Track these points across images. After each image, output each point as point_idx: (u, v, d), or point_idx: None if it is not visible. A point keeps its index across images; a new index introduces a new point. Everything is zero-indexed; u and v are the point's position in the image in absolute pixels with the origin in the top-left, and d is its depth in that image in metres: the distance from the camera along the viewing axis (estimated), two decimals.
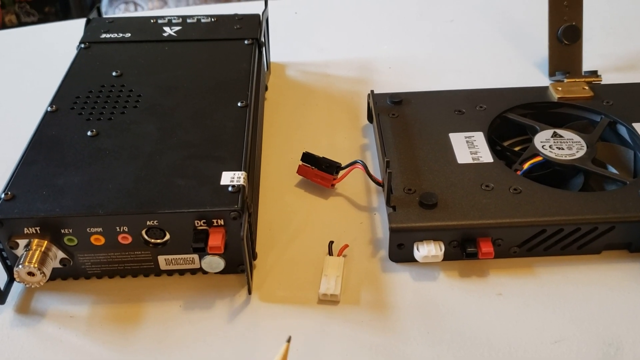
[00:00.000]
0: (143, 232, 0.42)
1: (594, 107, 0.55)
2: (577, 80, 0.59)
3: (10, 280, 0.43)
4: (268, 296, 0.44)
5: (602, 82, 0.59)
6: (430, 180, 0.47)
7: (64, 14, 1.85)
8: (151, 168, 0.44)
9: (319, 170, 0.52)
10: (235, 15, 0.64)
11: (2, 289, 0.43)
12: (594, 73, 0.60)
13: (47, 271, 0.41)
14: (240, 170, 0.44)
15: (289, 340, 0.36)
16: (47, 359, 0.40)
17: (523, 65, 0.69)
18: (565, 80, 0.60)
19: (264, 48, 0.62)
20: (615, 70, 0.67)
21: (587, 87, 0.57)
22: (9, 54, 0.75)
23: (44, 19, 1.81)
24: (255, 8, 0.65)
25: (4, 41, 0.78)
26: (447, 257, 0.45)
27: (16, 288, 0.44)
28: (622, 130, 0.53)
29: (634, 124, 0.52)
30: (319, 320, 0.42)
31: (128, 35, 0.61)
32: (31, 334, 0.41)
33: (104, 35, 0.61)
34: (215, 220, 0.41)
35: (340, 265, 0.45)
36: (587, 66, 0.63)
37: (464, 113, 0.55)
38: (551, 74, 0.63)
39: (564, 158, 0.49)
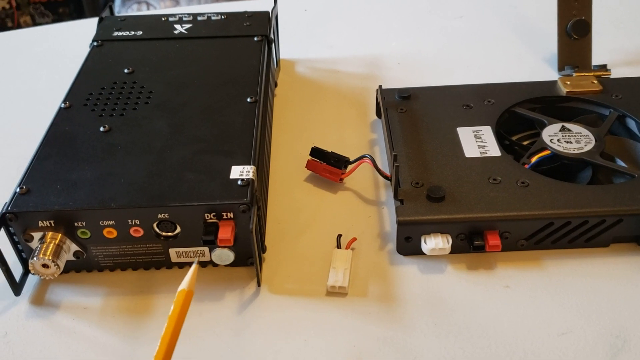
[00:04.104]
0: (154, 225, 0.43)
1: (602, 100, 0.55)
2: (586, 74, 0.59)
3: (26, 272, 0.44)
4: (277, 288, 0.44)
5: (612, 76, 0.59)
6: (438, 174, 0.48)
7: (78, 15, 1.87)
8: (162, 162, 0.45)
9: (328, 165, 0.52)
10: (245, 12, 0.65)
11: (17, 280, 0.43)
12: (603, 67, 0.60)
13: (61, 263, 0.42)
14: (250, 165, 0.44)
15: (197, 262, 0.38)
16: (61, 349, 0.41)
17: (532, 61, 0.69)
18: (574, 75, 0.60)
19: (273, 45, 0.62)
20: (625, 64, 0.67)
21: (596, 81, 0.57)
22: (24, 53, 0.76)
23: (58, 19, 1.83)
24: (265, 5, 0.66)
25: (19, 40, 0.80)
26: (455, 250, 0.45)
27: (31, 280, 0.45)
28: (631, 124, 0.53)
29: None
30: (327, 311, 0.42)
31: (140, 33, 0.62)
32: (46, 324, 0.42)
33: (116, 33, 0.62)
34: (224, 213, 0.42)
35: (349, 258, 0.45)
36: (596, 60, 0.63)
37: (472, 108, 0.55)
38: (560, 68, 0.63)
39: (572, 152, 0.49)
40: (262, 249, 0.46)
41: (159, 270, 0.46)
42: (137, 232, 0.43)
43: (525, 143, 0.53)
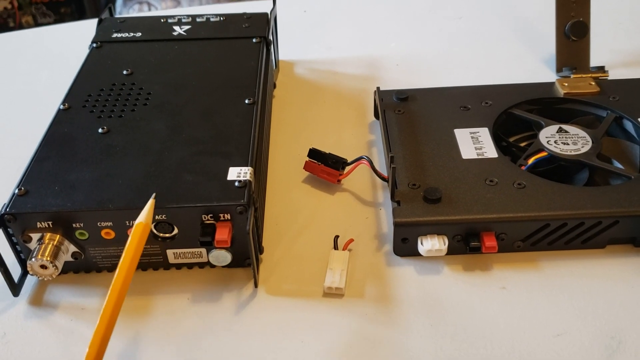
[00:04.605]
0: (152, 227, 0.43)
1: (600, 102, 0.55)
2: (584, 75, 0.59)
3: (24, 273, 0.45)
4: (274, 289, 0.44)
5: (609, 78, 0.59)
6: (435, 176, 0.48)
7: (80, 15, 1.87)
8: (160, 164, 0.45)
9: (326, 166, 0.52)
10: (244, 14, 0.65)
11: (16, 281, 0.44)
12: (601, 69, 0.60)
13: (60, 264, 0.42)
14: (247, 166, 0.45)
15: (155, 197, 0.39)
16: (59, 349, 0.41)
17: (531, 62, 0.69)
18: (572, 76, 0.60)
19: (272, 46, 0.63)
20: (623, 66, 0.67)
21: (593, 83, 0.57)
22: (24, 54, 0.76)
23: (60, 19, 1.83)
24: (267, 6, 0.66)
25: (20, 41, 0.80)
26: (451, 251, 0.45)
27: (30, 281, 0.45)
28: (628, 126, 0.53)
29: (639, 119, 0.52)
30: (324, 312, 0.43)
31: (139, 34, 0.62)
32: (44, 325, 0.43)
33: (115, 35, 0.62)
34: (222, 215, 0.42)
35: (345, 259, 0.45)
36: (594, 62, 0.63)
37: (469, 109, 0.55)
38: (558, 70, 0.63)
39: (569, 153, 0.49)
40: (260, 250, 0.46)
41: (157, 271, 0.46)
42: None
43: (522, 144, 0.53)
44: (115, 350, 0.41)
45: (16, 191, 0.43)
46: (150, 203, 0.39)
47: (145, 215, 0.39)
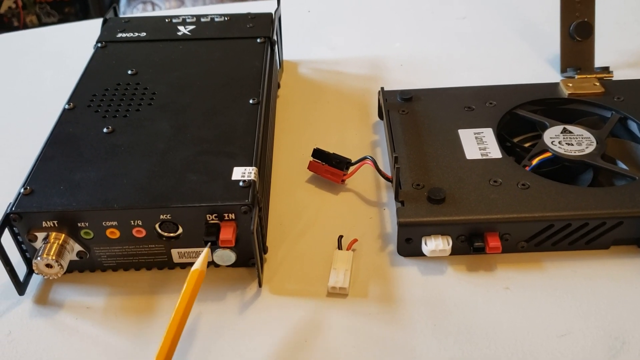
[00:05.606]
0: (157, 226, 0.43)
1: (604, 103, 0.55)
2: (589, 76, 0.59)
3: (29, 272, 0.45)
4: (278, 289, 0.44)
5: (614, 78, 0.59)
6: (439, 176, 0.48)
7: (84, 15, 1.88)
8: (165, 164, 0.45)
9: (330, 166, 0.53)
10: (248, 14, 0.65)
11: (21, 280, 0.44)
12: (606, 69, 0.60)
13: (65, 263, 0.42)
14: (251, 166, 0.45)
15: (208, 246, 0.41)
16: (64, 348, 0.41)
17: (535, 62, 0.69)
18: (577, 77, 0.60)
19: (276, 46, 0.63)
20: (628, 66, 0.67)
21: (598, 83, 0.57)
22: (29, 54, 0.77)
23: (64, 19, 1.84)
24: (271, 7, 0.66)
25: (24, 41, 0.80)
26: (455, 251, 0.45)
27: (35, 280, 0.46)
28: (633, 126, 0.53)
29: None
30: (328, 312, 0.43)
31: (143, 34, 0.62)
32: (49, 323, 0.43)
33: (120, 35, 0.62)
34: (226, 215, 0.42)
35: (349, 259, 0.45)
36: (600, 62, 0.63)
37: (473, 109, 0.55)
38: (563, 70, 0.63)
39: (573, 154, 0.49)
40: (264, 249, 0.46)
41: (161, 270, 0.46)
42: (139, 232, 0.43)
43: (526, 145, 0.53)
44: (120, 349, 0.41)
45: (22, 190, 0.43)
46: (206, 251, 0.41)
47: (200, 262, 0.41)
